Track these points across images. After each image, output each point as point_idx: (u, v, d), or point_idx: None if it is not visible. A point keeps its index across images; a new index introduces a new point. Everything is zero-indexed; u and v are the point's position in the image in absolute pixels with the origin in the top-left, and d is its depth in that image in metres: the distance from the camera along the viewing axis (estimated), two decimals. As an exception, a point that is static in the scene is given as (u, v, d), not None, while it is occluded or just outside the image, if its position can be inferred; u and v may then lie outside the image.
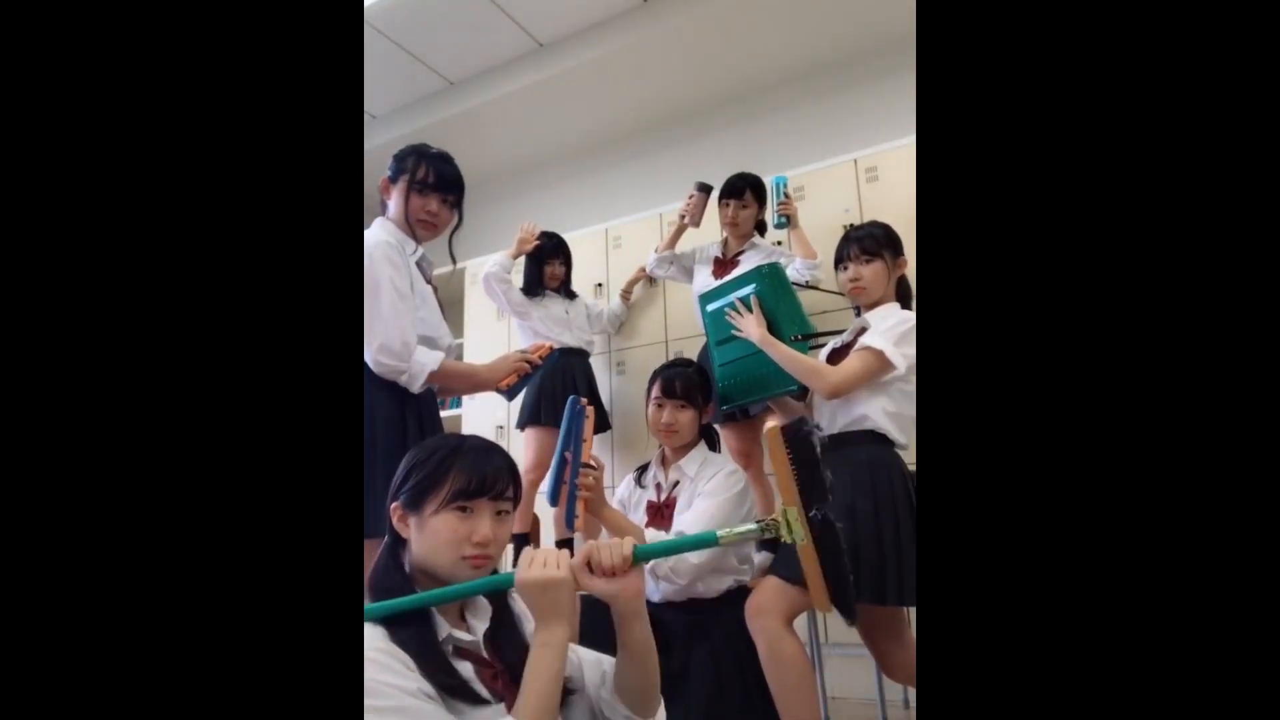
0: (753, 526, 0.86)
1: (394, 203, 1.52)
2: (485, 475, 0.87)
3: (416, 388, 1.42)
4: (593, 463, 1.40)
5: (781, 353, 1.56)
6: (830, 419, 1.52)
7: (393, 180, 1.52)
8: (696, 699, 1.41)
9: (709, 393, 1.70)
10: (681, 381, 1.63)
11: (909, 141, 2.41)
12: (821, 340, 1.71)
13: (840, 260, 1.61)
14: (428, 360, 1.41)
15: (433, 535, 0.85)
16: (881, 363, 1.42)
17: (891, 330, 1.44)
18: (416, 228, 1.52)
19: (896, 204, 2.24)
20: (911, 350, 1.42)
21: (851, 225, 1.73)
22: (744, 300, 1.70)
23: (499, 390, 1.54)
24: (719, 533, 0.86)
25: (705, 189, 2.38)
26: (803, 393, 1.68)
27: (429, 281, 1.54)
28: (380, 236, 1.45)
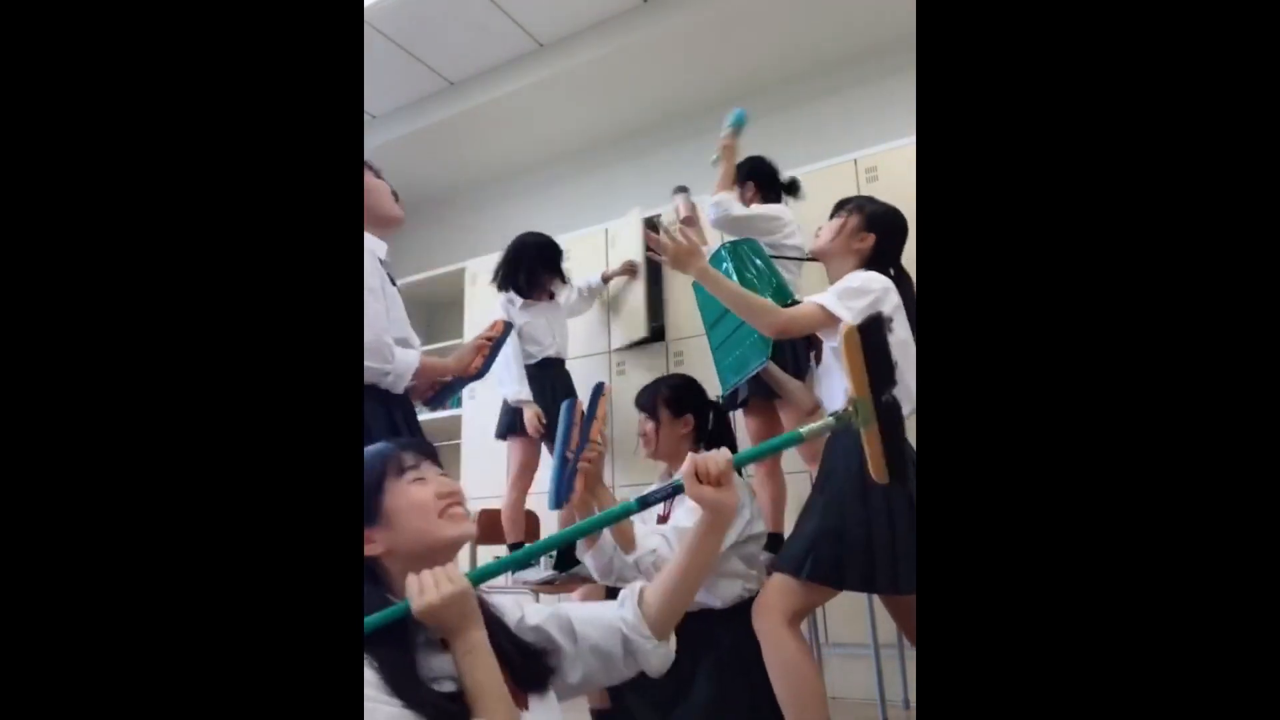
0: (830, 421, 0.95)
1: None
2: (410, 448, 0.91)
3: (401, 388, 1.42)
4: (599, 440, 1.41)
5: (728, 291, 1.51)
6: (828, 402, 1.51)
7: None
8: (698, 704, 1.41)
9: (692, 404, 1.70)
10: (648, 393, 1.72)
11: (909, 141, 2.41)
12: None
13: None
14: (410, 360, 1.41)
15: (404, 515, 0.86)
16: (825, 315, 1.41)
17: (837, 287, 1.45)
18: (391, 208, 1.52)
19: (896, 204, 2.23)
20: (857, 303, 1.39)
21: None
22: (725, 272, 1.72)
23: (470, 375, 1.57)
24: (802, 430, 0.95)
25: (681, 189, 2.54)
26: (798, 373, 1.68)
27: (394, 282, 1.55)
28: None
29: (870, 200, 1.62)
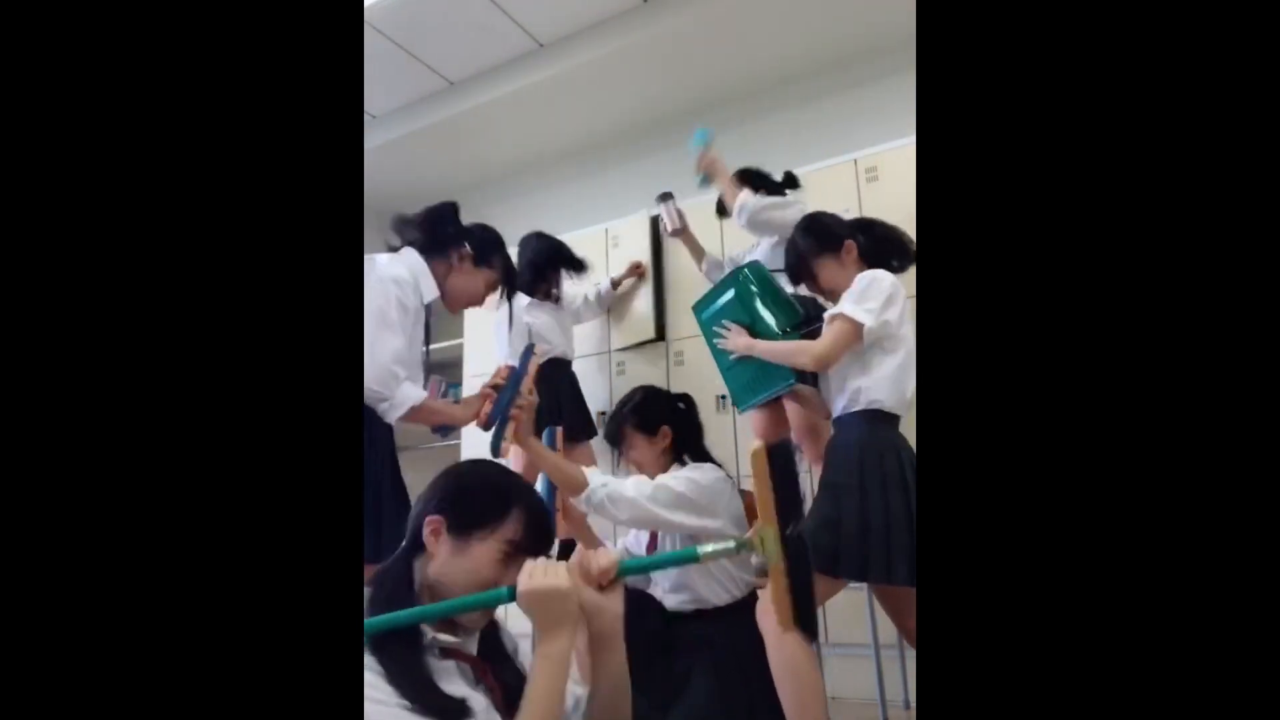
0: (730, 545, 0.85)
1: (461, 275, 1.59)
2: (541, 537, 0.89)
3: (392, 418, 1.44)
4: (527, 394, 1.50)
5: (765, 350, 1.61)
6: (833, 403, 1.52)
7: (485, 259, 1.61)
8: (696, 702, 1.41)
9: (664, 415, 1.69)
10: (613, 424, 1.71)
11: (909, 141, 2.41)
12: (815, 325, 1.73)
13: (795, 282, 1.67)
14: (413, 395, 1.43)
15: (469, 565, 0.85)
16: (851, 324, 1.43)
17: (851, 293, 1.47)
18: (458, 300, 1.61)
19: (896, 204, 2.24)
20: (874, 304, 1.42)
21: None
22: (730, 303, 1.74)
23: (480, 424, 1.58)
24: (699, 550, 0.86)
25: (665, 196, 2.48)
26: (812, 378, 1.69)
27: (428, 326, 1.58)
28: (399, 271, 1.48)
29: (789, 255, 1.64)
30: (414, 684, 0.76)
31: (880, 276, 1.47)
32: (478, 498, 0.88)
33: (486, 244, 1.65)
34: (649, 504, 1.45)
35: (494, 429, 1.53)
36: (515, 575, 0.85)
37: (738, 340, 1.67)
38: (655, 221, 2.82)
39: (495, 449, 1.51)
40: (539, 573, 0.79)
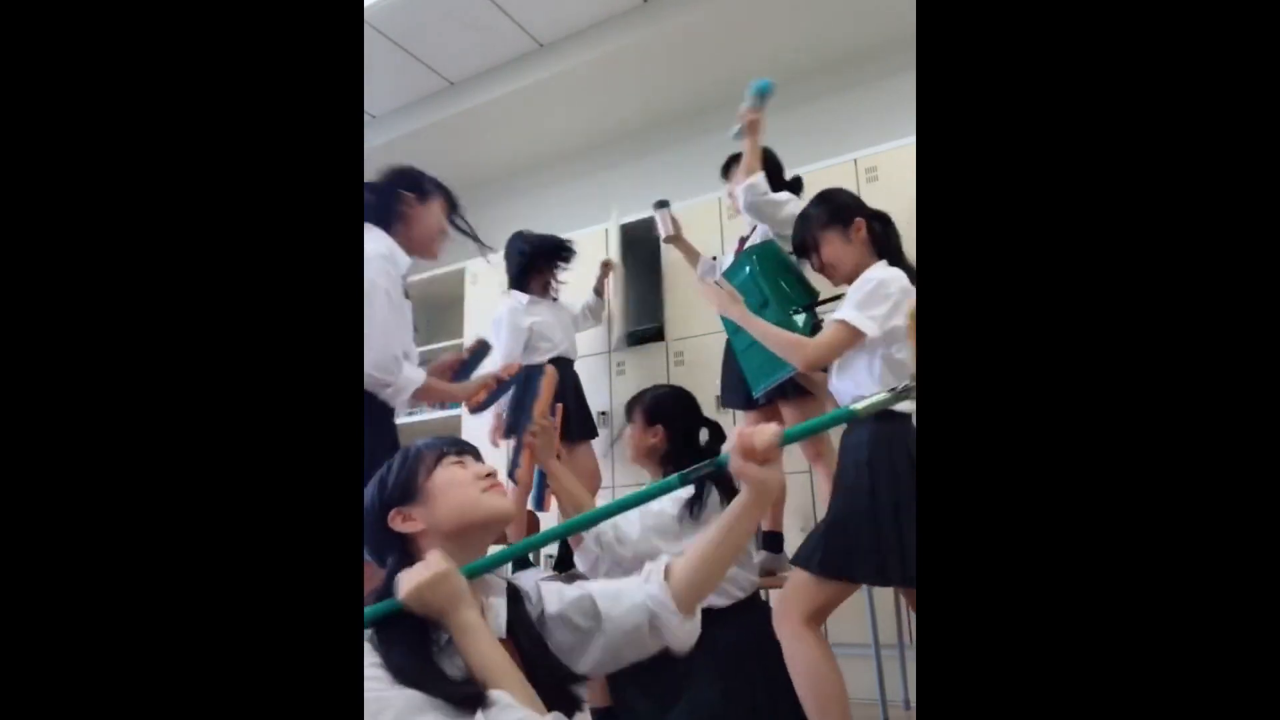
0: (886, 395, 0.89)
1: (417, 218, 1.59)
2: (453, 440, 0.96)
3: (398, 402, 1.44)
4: (544, 419, 1.47)
5: (759, 329, 1.55)
6: (841, 397, 1.51)
7: (423, 199, 1.60)
8: (700, 701, 1.41)
9: (665, 416, 1.68)
10: (633, 399, 1.72)
11: (909, 141, 2.41)
12: (828, 305, 1.71)
13: (800, 255, 1.63)
14: (415, 376, 1.43)
15: (444, 491, 0.89)
16: (851, 332, 1.39)
17: (855, 297, 1.43)
18: (434, 245, 1.61)
19: (896, 204, 2.23)
20: (879, 310, 1.38)
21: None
22: (745, 282, 1.71)
23: (469, 407, 1.62)
24: (857, 406, 0.90)
25: (661, 204, 2.46)
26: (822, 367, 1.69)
27: (407, 295, 1.58)
28: (375, 248, 1.47)
29: (800, 223, 1.61)
30: (418, 674, 0.76)
31: (888, 280, 1.42)
32: (397, 472, 0.92)
33: (414, 179, 1.65)
34: (653, 536, 1.46)
35: (510, 454, 1.53)
36: (484, 464, 0.94)
37: (728, 305, 1.60)
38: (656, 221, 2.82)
39: (511, 473, 1.50)
40: (414, 572, 0.81)
